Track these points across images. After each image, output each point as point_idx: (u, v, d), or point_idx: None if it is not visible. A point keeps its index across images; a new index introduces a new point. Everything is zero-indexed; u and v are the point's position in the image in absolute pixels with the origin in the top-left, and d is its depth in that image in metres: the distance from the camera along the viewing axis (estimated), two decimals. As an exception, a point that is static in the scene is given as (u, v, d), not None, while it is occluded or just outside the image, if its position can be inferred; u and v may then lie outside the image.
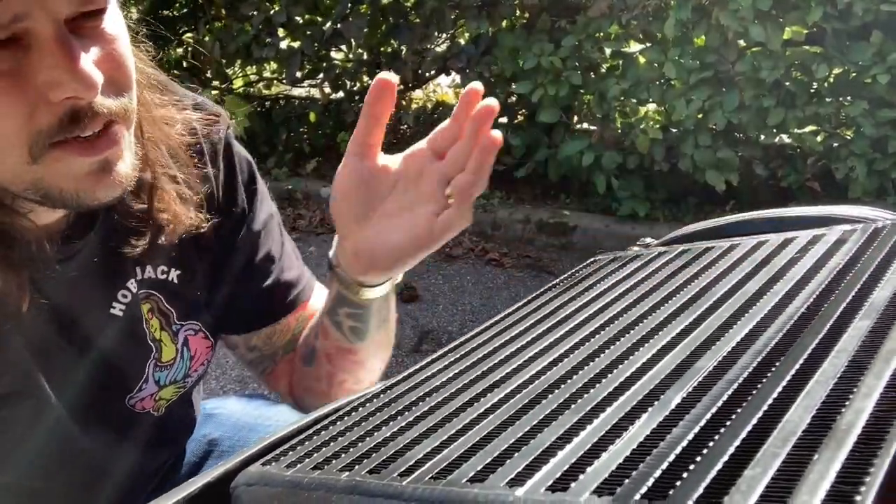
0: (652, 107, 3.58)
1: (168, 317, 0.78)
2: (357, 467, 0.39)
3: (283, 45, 4.08)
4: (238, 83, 4.65)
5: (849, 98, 3.12)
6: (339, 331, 0.81)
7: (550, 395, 0.41)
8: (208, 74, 4.37)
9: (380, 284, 0.76)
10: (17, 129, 0.58)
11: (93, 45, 0.60)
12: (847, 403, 0.34)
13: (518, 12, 3.62)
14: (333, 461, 0.40)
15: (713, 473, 0.30)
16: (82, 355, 0.72)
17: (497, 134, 0.65)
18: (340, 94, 4.27)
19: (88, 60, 0.58)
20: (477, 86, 0.66)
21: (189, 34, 4.49)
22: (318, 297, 0.89)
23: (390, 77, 0.67)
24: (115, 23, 0.63)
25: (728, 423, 0.34)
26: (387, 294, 0.78)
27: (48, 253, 0.67)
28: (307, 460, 0.42)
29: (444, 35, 3.93)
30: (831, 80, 3.16)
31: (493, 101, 0.66)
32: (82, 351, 0.72)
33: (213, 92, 4.39)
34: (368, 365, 0.84)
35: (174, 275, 0.78)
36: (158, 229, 0.73)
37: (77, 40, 0.58)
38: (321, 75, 4.20)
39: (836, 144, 3.18)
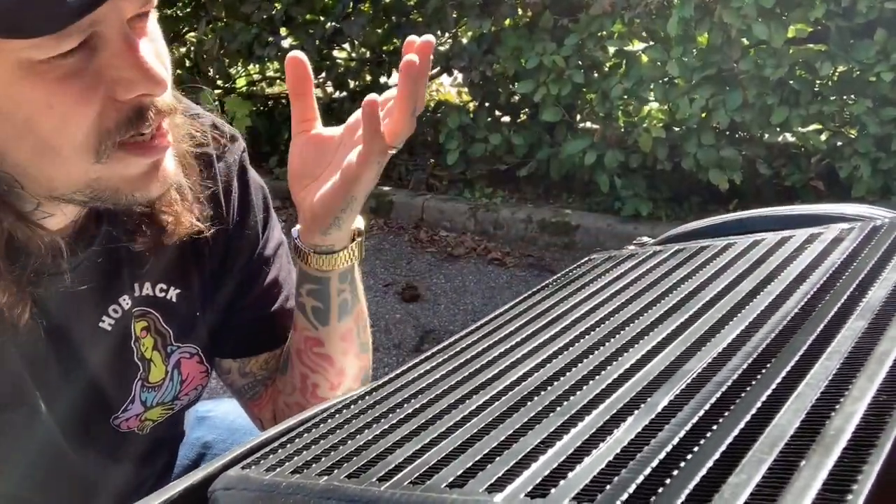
0: (655, 105, 3.57)
1: (164, 337, 0.77)
2: (336, 471, 0.38)
3: (286, 43, 4.08)
4: (240, 82, 4.65)
5: (853, 96, 3.10)
6: (304, 315, 0.80)
7: (535, 398, 0.40)
8: (210, 73, 4.37)
9: (331, 252, 0.76)
10: (87, 131, 0.59)
11: (147, 43, 0.61)
12: (837, 407, 0.33)
13: (520, 11, 3.61)
14: (313, 465, 0.39)
15: (697, 480, 0.29)
16: (71, 369, 0.72)
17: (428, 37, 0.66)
18: (343, 92, 4.27)
19: (153, 58, 0.60)
20: (413, 38, 0.67)
21: (191, 33, 4.49)
22: None
23: (297, 55, 0.72)
24: (154, 21, 0.64)
25: (715, 427, 0.33)
26: (345, 275, 0.78)
27: (57, 267, 0.67)
28: (287, 464, 0.41)
29: (447, 34, 3.92)
30: (835, 78, 3.15)
31: (428, 37, 0.67)
32: (71, 364, 0.72)
33: (216, 91, 4.39)
34: (338, 364, 0.82)
35: (173, 294, 0.77)
36: (159, 231, 0.73)
37: (140, 37, 0.60)
38: (323, 74, 4.20)
39: (839, 143, 3.16)
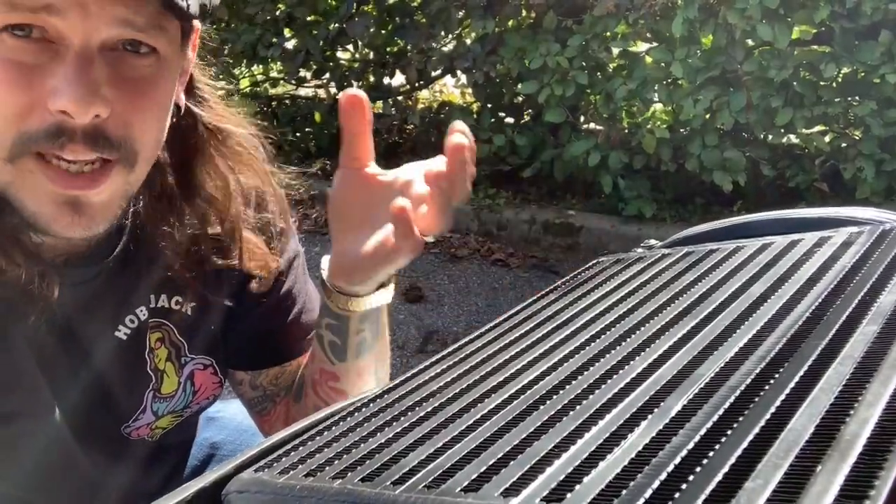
0: (659, 107, 3.56)
1: (179, 348, 0.77)
2: (350, 475, 0.38)
3: (290, 44, 4.08)
4: (244, 83, 4.65)
5: (857, 98, 3.09)
6: (321, 347, 0.79)
7: (548, 402, 0.40)
8: (213, 74, 4.37)
9: (356, 296, 0.74)
10: (8, 121, 0.58)
11: (123, 81, 0.59)
12: (852, 412, 0.33)
13: (524, 12, 3.61)
14: (326, 468, 0.39)
15: (713, 485, 0.29)
16: (84, 377, 0.72)
17: (462, 139, 0.63)
18: (346, 93, 4.26)
19: (99, 87, 0.58)
20: (460, 126, 0.64)
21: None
22: None
23: (356, 93, 0.68)
24: (163, 73, 0.62)
25: (729, 432, 0.33)
26: (366, 316, 0.76)
27: (73, 276, 0.67)
28: (300, 467, 0.41)
29: (450, 35, 3.92)
30: (839, 79, 3.14)
31: (461, 139, 0.63)
32: (85, 372, 0.72)
33: (219, 92, 4.38)
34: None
35: (189, 307, 0.77)
36: (191, 266, 0.74)
37: (108, 68, 0.58)
38: (327, 75, 4.20)
39: (844, 145, 3.15)
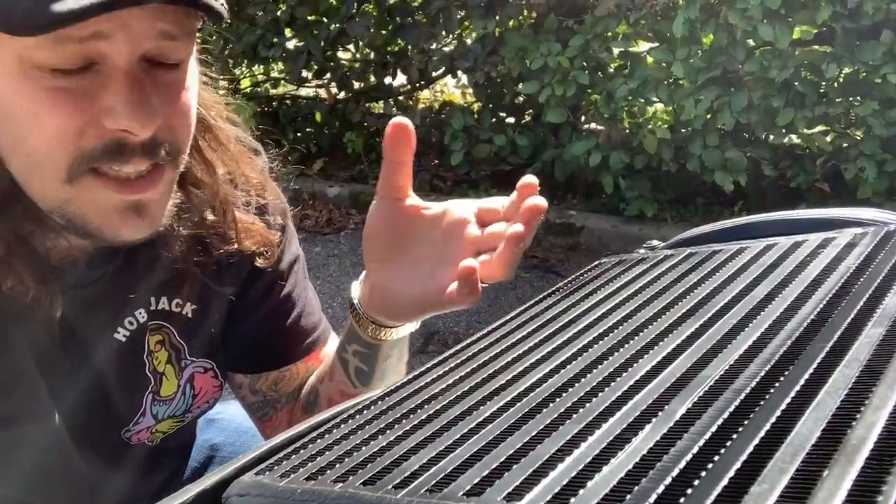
0: (660, 107, 3.56)
1: (179, 351, 0.77)
2: (351, 478, 0.37)
3: (290, 45, 4.08)
4: (245, 83, 4.64)
5: (858, 98, 3.09)
6: (344, 371, 0.78)
7: (551, 405, 0.40)
8: (215, 74, 4.36)
9: (390, 327, 0.73)
10: (64, 144, 0.59)
11: (164, 89, 0.61)
12: (858, 416, 0.32)
13: (525, 12, 3.60)
14: (328, 471, 0.39)
15: (718, 490, 0.29)
16: (84, 378, 0.72)
17: (542, 202, 0.62)
18: (347, 94, 4.26)
19: (153, 100, 0.59)
20: (531, 179, 0.63)
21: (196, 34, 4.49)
22: (331, 346, 0.87)
23: (403, 121, 0.65)
24: (190, 74, 0.64)
25: (734, 435, 0.33)
26: (396, 343, 0.75)
27: (76, 279, 0.67)
28: (301, 470, 0.40)
29: (451, 35, 3.92)
30: (841, 79, 3.14)
31: (542, 201, 0.61)
32: (84, 374, 0.72)
33: (220, 92, 4.38)
34: None
35: (189, 309, 0.77)
36: (191, 269, 0.74)
37: (150, 80, 0.59)
38: (328, 75, 4.20)
39: (845, 145, 3.15)
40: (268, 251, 0.78)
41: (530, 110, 3.82)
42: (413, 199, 0.68)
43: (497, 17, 3.56)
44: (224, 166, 0.75)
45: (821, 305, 0.46)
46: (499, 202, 0.66)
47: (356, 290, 0.74)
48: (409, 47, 3.95)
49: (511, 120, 3.86)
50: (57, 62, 0.56)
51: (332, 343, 0.87)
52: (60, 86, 0.57)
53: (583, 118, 3.67)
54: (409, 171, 0.67)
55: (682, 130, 3.35)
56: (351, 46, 4.19)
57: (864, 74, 3.05)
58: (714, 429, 0.34)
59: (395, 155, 0.66)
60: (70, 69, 0.57)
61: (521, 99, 3.78)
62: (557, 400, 0.40)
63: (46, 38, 0.54)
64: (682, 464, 0.31)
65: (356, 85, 4.23)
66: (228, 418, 0.99)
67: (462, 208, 0.67)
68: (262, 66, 4.47)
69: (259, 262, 0.77)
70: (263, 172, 0.82)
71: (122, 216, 0.62)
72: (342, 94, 4.29)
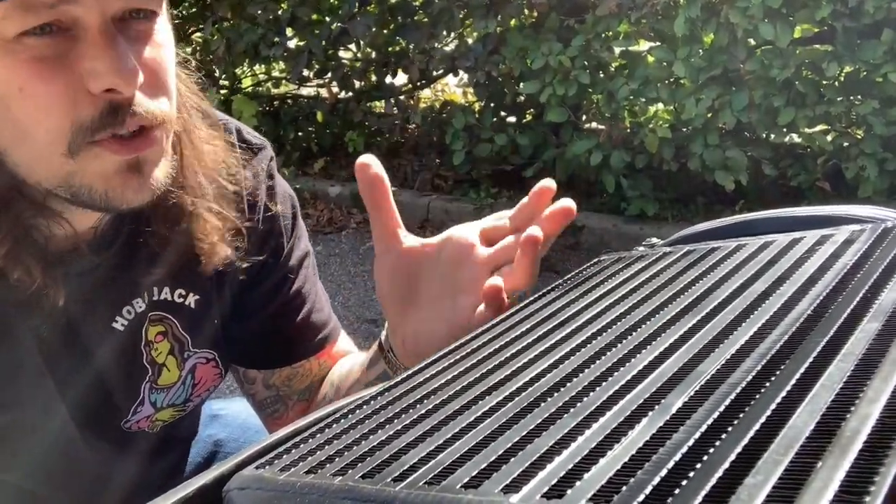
0: (661, 106, 3.56)
1: (182, 343, 0.77)
2: (351, 471, 0.38)
3: (292, 44, 4.08)
4: (246, 82, 4.65)
5: (859, 97, 3.09)
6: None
7: (549, 399, 0.40)
8: (216, 74, 4.38)
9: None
10: (60, 121, 0.59)
11: (138, 45, 0.61)
12: (853, 409, 0.33)
13: (526, 11, 3.61)
14: (328, 465, 0.40)
15: (713, 481, 0.29)
16: (82, 366, 0.72)
17: (572, 205, 0.62)
18: (349, 93, 4.27)
19: (130, 56, 0.59)
20: (550, 184, 0.63)
21: (197, 33, 4.50)
22: (342, 344, 0.87)
23: (366, 159, 0.65)
24: (163, 32, 0.63)
25: (730, 428, 0.33)
26: None
27: (76, 267, 0.67)
28: (301, 464, 0.41)
29: (452, 34, 3.92)
30: (842, 78, 3.14)
31: (571, 203, 0.62)
32: (82, 362, 0.72)
33: (222, 91, 4.39)
34: None
35: (192, 300, 0.77)
36: (193, 258, 0.72)
37: (123, 38, 0.59)
38: (329, 74, 4.20)
39: (846, 144, 3.15)
40: (238, 241, 0.75)
41: (531, 110, 3.82)
42: (409, 240, 0.68)
43: (498, 17, 3.56)
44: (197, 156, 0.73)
45: (817, 301, 0.46)
46: (502, 217, 0.66)
47: (386, 342, 0.73)
48: (411, 47, 3.95)
49: (512, 119, 3.87)
50: (25, 25, 0.56)
51: (343, 341, 0.87)
52: (38, 55, 0.57)
53: (584, 117, 3.67)
54: (393, 213, 0.67)
55: (683, 130, 3.36)
56: (352, 46, 4.20)
57: (865, 73, 3.05)
58: (710, 422, 0.34)
59: (371, 199, 0.66)
60: (43, 34, 0.57)
61: (522, 98, 3.78)
62: (555, 394, 0.41)
63: (15, 6, 0.55)
64: (678, 456, 0.31)
65: (357, 84, 4.24)
66: (233, 414, 1.00)
67: (464, 232, 0.66)
68: (263, 66, 4.48)
69: (231, 255, 0.75)
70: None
71: (124, 178, 0.62)
72: (343, 94, 4.30)
